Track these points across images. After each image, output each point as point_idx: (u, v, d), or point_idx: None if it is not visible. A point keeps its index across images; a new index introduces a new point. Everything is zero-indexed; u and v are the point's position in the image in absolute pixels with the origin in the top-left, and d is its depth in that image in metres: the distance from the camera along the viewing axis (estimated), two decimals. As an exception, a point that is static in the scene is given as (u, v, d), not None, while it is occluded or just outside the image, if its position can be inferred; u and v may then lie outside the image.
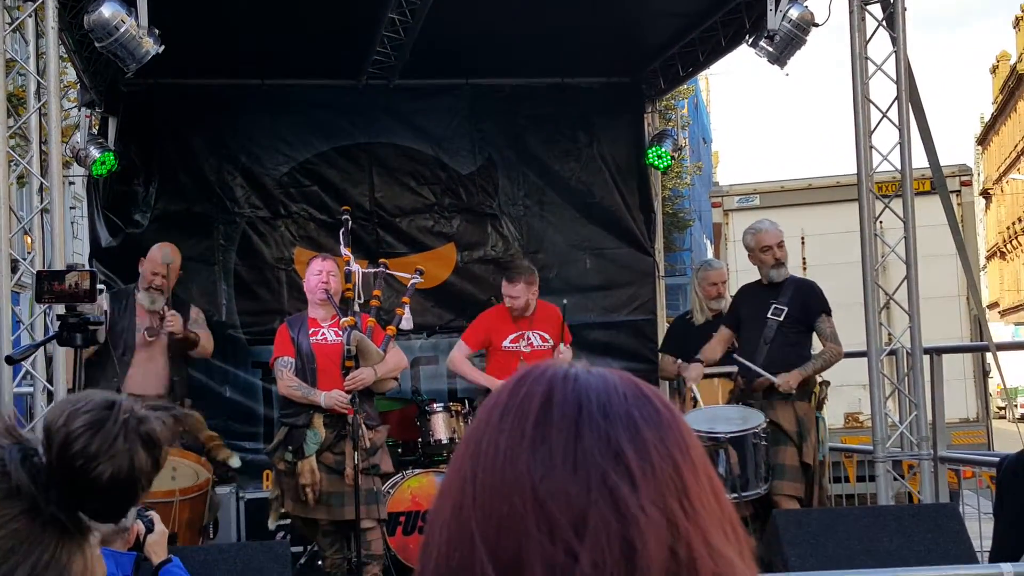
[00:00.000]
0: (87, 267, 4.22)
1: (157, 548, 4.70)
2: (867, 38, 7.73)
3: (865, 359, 7.70)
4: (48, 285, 4.02)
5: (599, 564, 0.86)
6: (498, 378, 7.61)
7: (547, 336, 7.98)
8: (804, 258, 11.81)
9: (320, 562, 7.44)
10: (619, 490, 0.88)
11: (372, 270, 7.69)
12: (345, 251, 7.50)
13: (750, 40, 8.32)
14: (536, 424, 0.91)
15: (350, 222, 7.76)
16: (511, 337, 7.90)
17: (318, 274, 7.33)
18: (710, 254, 18.11)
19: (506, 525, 0.89)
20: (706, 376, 7.83)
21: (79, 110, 9.90)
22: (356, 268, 7.42)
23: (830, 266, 10.85)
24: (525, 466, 0.90)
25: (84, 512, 1.04)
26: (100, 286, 4.18)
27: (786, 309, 7.45)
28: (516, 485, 0.89)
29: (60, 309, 4.37)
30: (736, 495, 7.17)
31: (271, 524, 7.67)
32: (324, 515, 7.12)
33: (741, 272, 9.24)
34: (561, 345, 7.88)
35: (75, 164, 9.62)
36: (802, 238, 11.90)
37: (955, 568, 5.36)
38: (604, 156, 10.50)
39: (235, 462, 7.51)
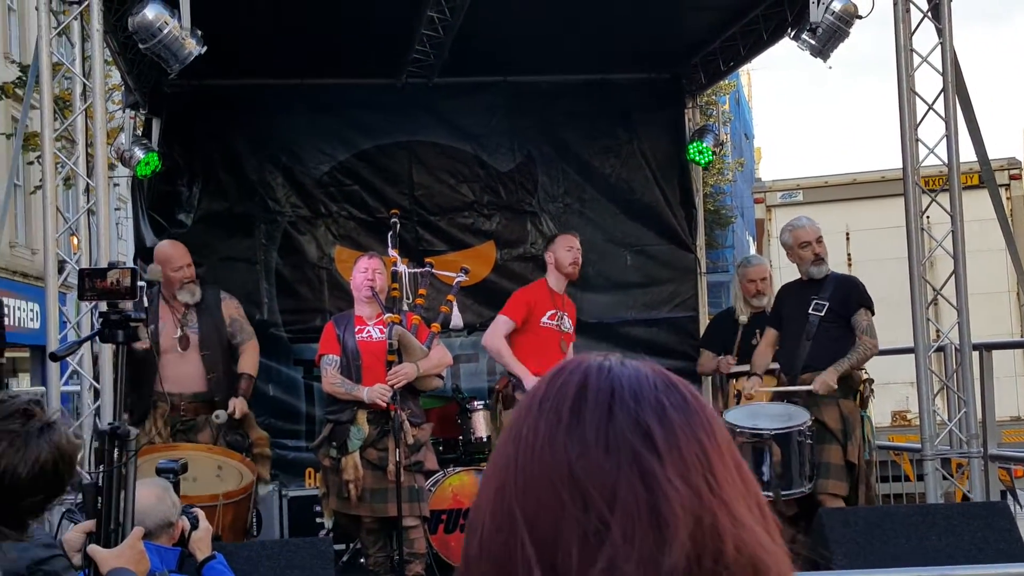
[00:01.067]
0: (128, 264, 4.23)
1: (201, 545, 4.74)
2: (912, 29, 7.64)
3: (912, 356, 7.60)
4: (90, 282, 4.03)
5: (629, 532, 0.93)
6: (533, 358, 7.54)
7: (571, 324, 8.00)
8: (849, 254, 11.71)
9: (363, 560, 7.45)
10: (648, 465, 0.96)
11: (418, 270, 7.69)
12: (392, 252, 7.53)
13: (792, 33, 8.24)
14: (572, 409, 0.99)
15: (398, 224, 7.77)
16: (549, 314, 7.85)
17: (364, 272, 7.35)
18: (752, 251, 18.00)
19: (544, 502, 0.96)
20: (750, 375, 7.78)
21: (123, 112, 9.97)
22: (403, 268, 7.44)
23: (876, 262, 10.76)
24: (562, 447, 0.97)
25: None
26: (142, 284, 4.19)
27: (827, 304, 7.38)
28: (554, 465, 0.97)
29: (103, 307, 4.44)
30: (780, 493, 7.12)
31: (327, 523, 7.70)
32: (367, 512, 7.13)
33: (784, 269, 9.16)
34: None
35: (120, 165, 9.69)
36: (847, 234, 11.80)
37: (1006, 567, 5.26)
38: (644, 152, 10.45)
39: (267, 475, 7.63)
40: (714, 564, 0.94)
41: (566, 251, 7.93)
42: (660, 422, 0.98)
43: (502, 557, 0.97)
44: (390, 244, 7.58)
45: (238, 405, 7.36)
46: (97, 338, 4.34)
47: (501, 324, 7.88)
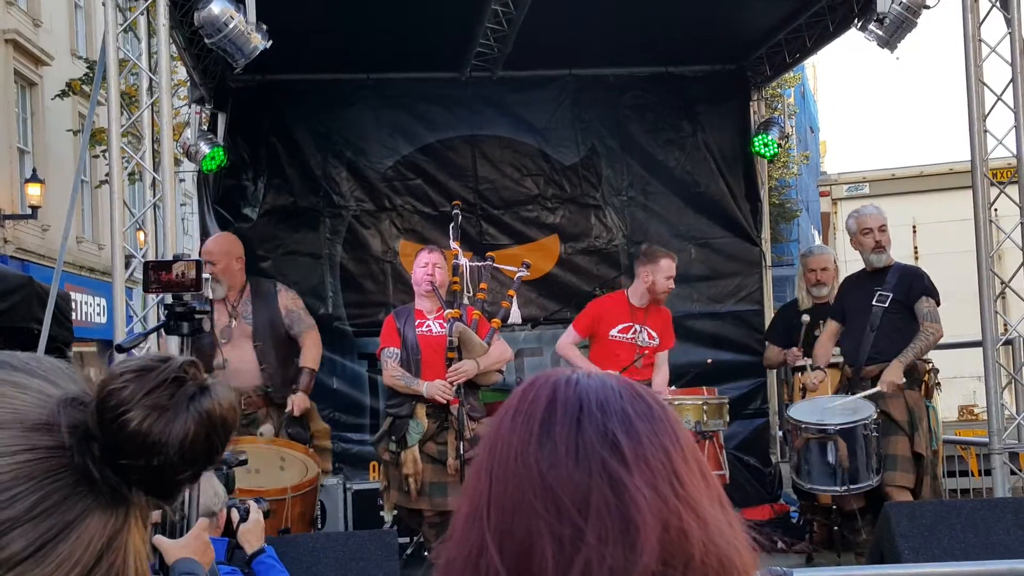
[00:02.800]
0: (194, 257, 4.26)
1: (251, 537, 4.74)
2: (980, 19, 7.53)
3: (979, 350, 7.50)
4: (155, 275, 4.08)
5: (603, 537, 0.98)
6: (601, 367, 7.54)
7: (655, 333, 7.92)
8: (916, 247, 11.58)
9: (426, 553, 7.48)
10: (616, 473, 1.00)
11: (479, 263, 7.70)
12: (454, 244, 7.54)
13: (859, 24, 8.15)
14: (542, 423, 1.04)
15: (460, 216, 7.79)
16: (621, 327, 7.84)
17: (424, 266, 7.36)
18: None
19: (519, 511, 1.01)
20: (813, 368, 7.73)
21: (189, 107, 10.07)
22: (464, 261, 7.45)
23: (943, 255, 10.62)
24: (534, 459, 1.02)
25: (119, 473, 0.97)
26: (207, 276, 4.23)
27: (891, 295, 7.32)
28: (527, 475, 1.02)
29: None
30: (845, 488, 7.07)
31: (387, 516, 7.72)
32: (427, 506, 7.14)
33: (850, 263, 9.07)
34: (657, 379, 7.81)
35: (186, 160, 9.79)
36: (913, 227, 11.66)
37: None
38: (709, 145, 10.40)
39: (329, 467, 7.66)
40: (683, 565, 0.99)
41: (666, 279, 7.87)
42: (626, 432, 1.03)
43: (473, 564, 1.02)
44: (452, 236, 7.59)
45: (297, 402, 7.34)
46: (163, 330, 4.39)
47: (569, 334, 8.03)
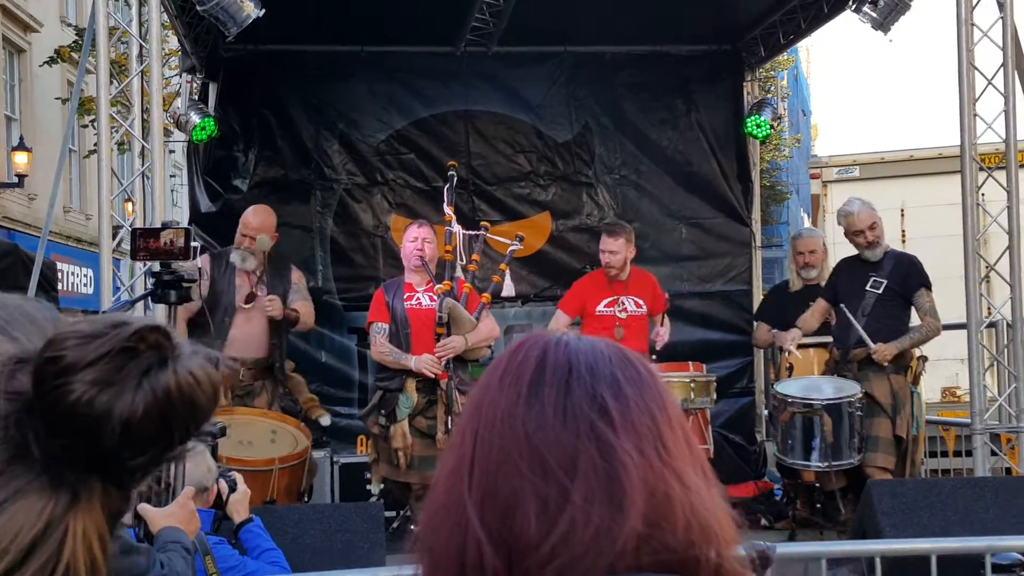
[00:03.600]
0: (182, 224, 4.26)
1: (239, 507, 4.76)
2: (973, 4, 7.55)
3: (963, 333, 7.58)
4: (143, 242, 4.08)
5: (589, 498, 0.98)
6: None
7: (641, 302, 7.98)
8: (903, 231, 11.62)
9: (412, 526, 7.51)
10: (605, 436, 1.01)
11: (473, 232, 7.71)
12: (448, 209, 7.53)
13: (853, 6, 8.17)
14: (530, 383, 1.04)
15: (455, 178, 7.78)
16: (605, 302, 7.90)
17: (413, 241, 7.37)
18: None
19: (504, 472, 1.00)
20: (802, 346, 7.78)
21: (180, 77, 10.03)
22: (457, 229, 7.44)
23: (930, 239, 10.66)
24: (521, 420, 1.02)
25: (64, 452, 0.84)
26: (196, 244, 4.20)
27: (885, 282, 7.38)
28: (513, 437, 1.01)
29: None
30: (827, 464, 7.13)
31: (374, 489, 7.75)
32: (416, 479, 7.16)
33: (839, 245, 9.11)
34: (660, 329, 7.83)
35: (175, 132, 9.76)
36: (902, 210, 11.70)
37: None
38: (702, 125, 10.41)
39: (325, 420, 7.65)
40: (667, 529, 1.00)
41: (601, 255, 8.00)
42: (615, 395, 1.03)
43: (458, 521, 1.01)
44: (446, 199, 7.58)
45: (275, 304, 7.36)
46: (150, 299, 4.39)
47: (558, 317, 8.08)
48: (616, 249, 7.88)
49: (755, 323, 9.25)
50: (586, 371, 1.05)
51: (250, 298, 7.46)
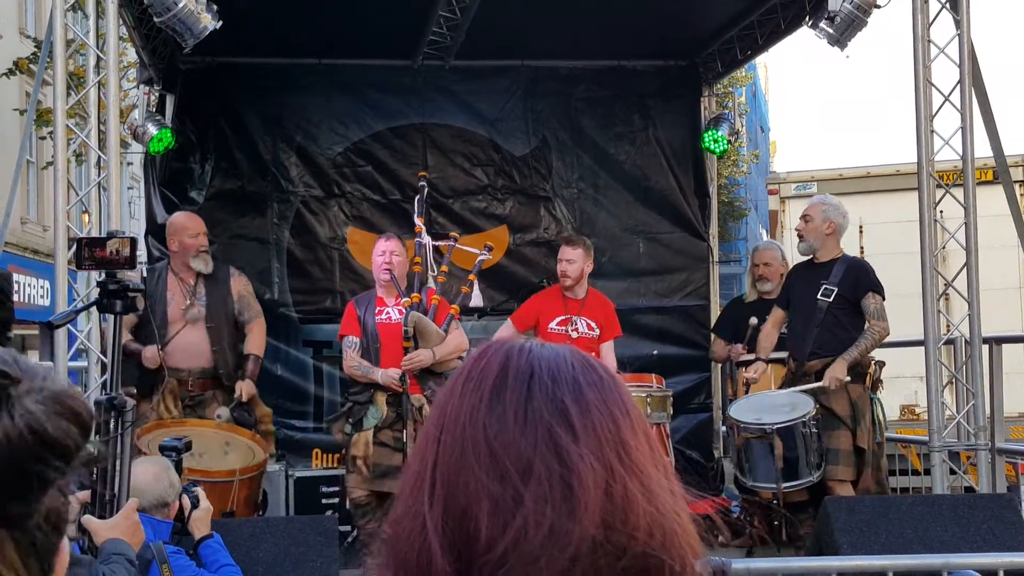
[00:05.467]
0: (127, 234, 4.21)
1: (200, 524, 4.77)
2: (930, 20, 7.60)
3: (921, 350, 7.58)
4: (89, 252, 4.03)
5: (541, 501, 0.98)
6: None
7: (594, 324, 7.93)
8: (862, 247, 11.67)
9: (362, 539, 7.42)
10: (562, 441, 1.01)
11: (442, 243, 7.67)
12: (418, 220, 7.51)
13: (810, 22, 8.21)
14: (492, 388, 1.05)
15: (426, 189, 7.74)
16: (558, 320, 7.85)
17: (382, 255, 7.34)
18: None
19: (462, 476, 1.01)
20: (756, 359, 7.78)
21: (137, 88, 9.95)
22: (427, 240, 7.42)
23: (888, 255, 10.71)
24: (482, 424, 1.03)
25: None
26: (141, 254, 4.19)
27: (835, 290, 7.38)
28: (474, 441, 1.02)
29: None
30: (787, 484, 7.11)
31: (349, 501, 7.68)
32: (371, 486, 7.08)
33: (797, 260, 9.15)
34: (602, 345, 7.81)
35: (133, 144, 9.68)
36: (860, 226, 11.76)
37: (1011, 555, 5.22)
38: (659, 140, 10.42)
39: (273, 449, 7.63)
40: (625, 534, 0.99)
41: (558, 263, 7.98)
42: (575, 400, 1.04)
43: (419, 522, 1.02)
44: (416, 211, 7.55)
45: (244, 388, 7.32)
46: (96, 308, 4.34)
47: (506, 327, 8.04)
48: (573, 258, 7.85)
49: (712, 337, 9.25)
50: (548, 376, 1.05)
51: (193, 315, 7.39)
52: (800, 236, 7.66)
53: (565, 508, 0.98)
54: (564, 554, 0.97)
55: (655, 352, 8.85)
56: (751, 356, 7.96)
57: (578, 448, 1.01)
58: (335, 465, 8.88)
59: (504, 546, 0.98)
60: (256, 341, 7.63)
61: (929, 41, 7.60)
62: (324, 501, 8.42)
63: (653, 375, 8.04)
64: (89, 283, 7.33)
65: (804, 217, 7.65)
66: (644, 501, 1.01)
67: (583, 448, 1.01)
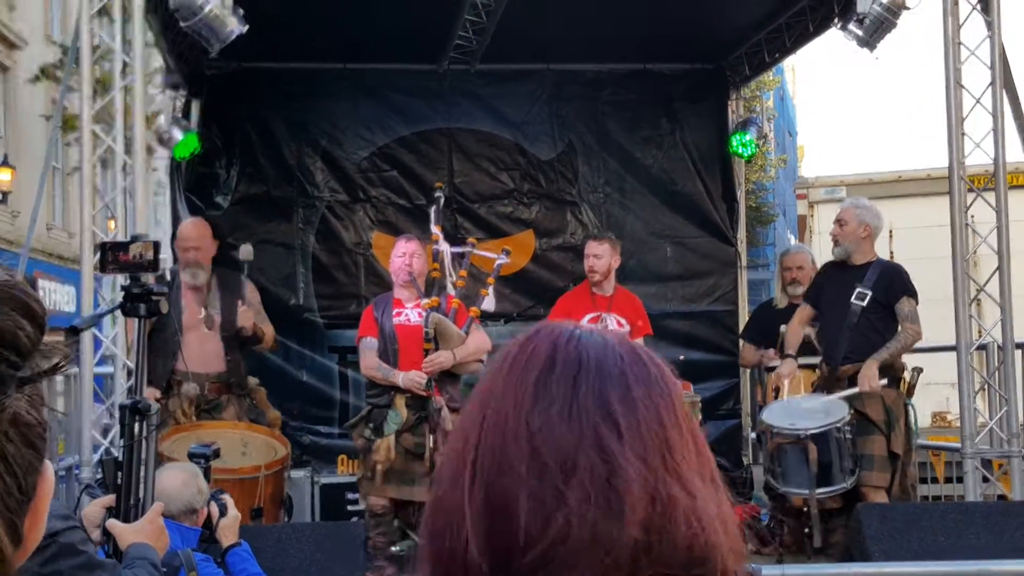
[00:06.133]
0: (150, 237, 4.18)
1: (228, 532, 4.75)
2: (960, 22, 7.51)
3: (953, 355, 7.48)
4: (113, 255, 4.00)
5: (585, 503, 0.96)
6: None
7: (624, 321, 7.89)
8: (892, 252, 11.55)
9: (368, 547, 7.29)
10: (607, 442, 0.98)
11: (460, 249, 7.63)
12: (435, 229, 7.46)
13: (839, 24, 8.15)
14: (538, 380, 1.02)
15: (442, 198, 7.71)
16: (588, 317, 7.78)
17: (401, 256, 7.30)
18: (793, 248, 17.84)
19: (503, 469, 0.99)
20: (784, 356, 7.69)
21: (163, 94, 9.98)
22: (445, 247, 7.37)
23: (919, 260, 10.58)
24: (526, 417, 1.00)
25: None
26: (164, 257, 4.16)
27: (870, 293, 7.28)
28: (516, 434, 1.00)
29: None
30: (821, 490, 7.02)
31: (362, 504, 7.61)
32: (393, 494, 7.03)
33: (824, 264, 9.08)
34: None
35: (159, 150, 9.70)
36: (890, 231, 11.64)
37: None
38: (686, 143, 10.37)
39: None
40: (667, 538, 0.97)
41: (585, 259, 7.96)
42: (622, 398, 1.01)
43: (458, 511, 1.00)
44: (433, 219, 7.52)
45: (242, 311, 7.24)
46: (120, 312, 4.31)
47: None
48: (600, 253, 7.82)
49: (741, 343, 9.17)
50: (595, 369, 1.03)
51: (210, 322, 7.35)
52: (835, 241, 7.54)
53: (609, 510, 0.96)
54: (607, 557, 0.95)
55: (681, 357, 8.78)
56: (779, 361, 7.87)
57: (624, 451, 0.98)
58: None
59: (544, 547, 0.96)
60: (267, 331, 7.58)
61: (960, 43, 7.51)
62: (349, 508, 8.38)
63: (680, 381, 7.96)
64: (115, 288, 7.30)
65: (839, 221, 7.53)
66: (687, 504, 0.99)
67: (628, 449, 0.98)
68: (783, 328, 8.08)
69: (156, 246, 3.97)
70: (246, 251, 7.38)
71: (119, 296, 6.94)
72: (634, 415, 1.01)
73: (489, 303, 7.49)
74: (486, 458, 1.00)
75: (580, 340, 1.05)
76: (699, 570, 0.98)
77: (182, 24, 7.21)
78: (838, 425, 6.99)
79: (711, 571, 0.99)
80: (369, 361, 7.21)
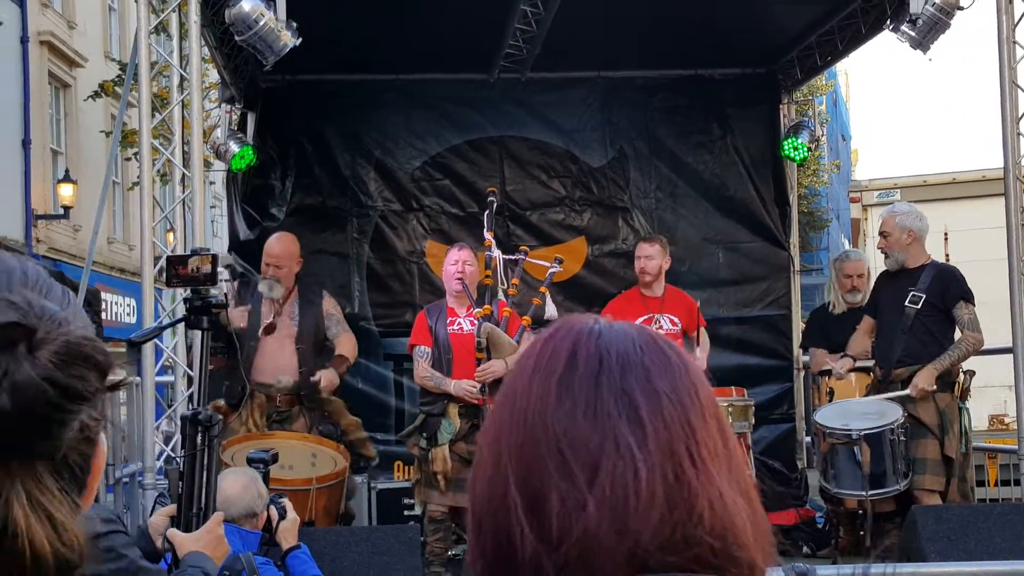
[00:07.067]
0: (210, 251, 4.26)
1: (287, 535, 4.81)
2: (1015, 21, 7.48)
3: (1010, 358, 7.43)
4: (174, 269, 4.09)
5: (603, 502, 0.97)
6: None
7: (676, 320, 7.92)
8: (947, 255, 11.47)
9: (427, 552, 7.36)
10: (629, 439, 0.99)
11: (512, 256, 7.68)
12: (487, 235, 7.51)
13: (891, 25, 8.11)
14: (560, 380, 1.03)
15: (495, 203, 7.77)
16: (641, 319, 7.80)
17: (454, 264, 7.36)
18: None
19: (533, 467, 1.01)
20: (843, 355, 7.68)
21: (219, 107, 10.11)
22: (497, 254, 7.41)
23: (975, 263, 10.51)
24: (551, 418, 1.02)
25: None
26: (222, 269, 4.25)
27: (924, 296, 7.25)
28: (543, 434, 1.01)
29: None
30: (870, 492, 7.01)
31: (418, 507, 7.68)
32: (451, 501, 7.10)
33: (881, 269, 9.05)
34: (696, 351, 7.71)
35: (215, 163, 9.82)
36: (945, 233, 11.57)
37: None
38: (738, 148, 10.35)
39: (371, 453, 7.63)
40: (692, 534, 0.98)
41: (636, 260, 8.03)
42: (644, 392, 1.02)
43: (501, 513, 1.02)
44: (486, 225, 7.57)
45: (325, 376, 7.34)
46: (183, 324, 4.39)
47: None
48: (652, 254, 7.86)
49: (809, 350, 9.06)
50: (617, 364, 1.04)
51: (269, 328, 7.43)
52: (886, 254, 7.56)
53: (630, 507, 0.97)
54: (627, 555, 0.97)
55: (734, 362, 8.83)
56: (833, 364, 7.84)
57: (647, 446, 0.99)
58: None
59: (568, 545, 0.97)
60: (347, 346, 7.67)
61: (1015, 42, 7.47)
62: (406, 513, 8.45)
63: (733, 388, 7.96)
64: (175, 300, 7.42)
65: (882, 234, 7.55)
66: (713, 501, 0.99)
67: (651, 446, 0.99)
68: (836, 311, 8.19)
69: (215, 259, 4.05)
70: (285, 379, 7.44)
71: (179, 307, 7.10)
72: (657, 408, 1.01)
73: (551, 311, 7.53)
74: (515, 457, 1.02)
75: (601, 336, 1.06)
76: (727, 567, 0.99)
77: (237, 38, 7.33)
78: (892, 427, 6.98)
79: (740, 569, 0.99)
80: (422, 370, 7.28)
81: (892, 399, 7.16)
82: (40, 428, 0.93)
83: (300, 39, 7.41)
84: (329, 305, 7.77)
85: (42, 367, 0.92)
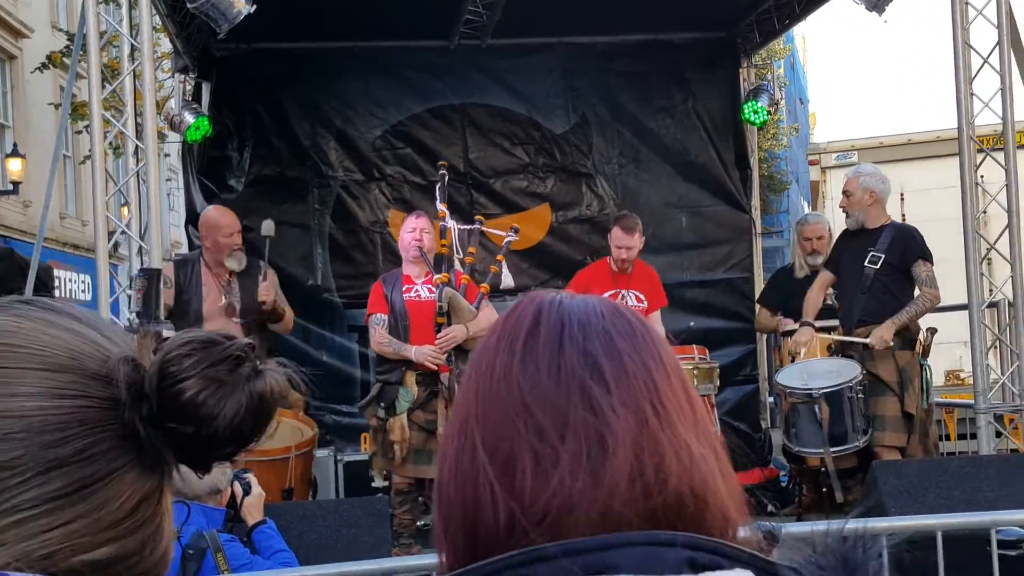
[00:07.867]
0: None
1: (253, 511, 4.80)
2: (968, -18, 7.52)
3: (965, 314, 7.54)
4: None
5: (577, 456, 0.99)
6: None
7: (642, 296, 7.95)
8: (904, 214, 11.56)
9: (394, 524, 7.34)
10: (594, 392, 1.01)
11: (467, 227, 7.68)
12: (441, 206, 7.51)
13: (847, -13, 8.13)
14: (524, 343, 1.05)
15: (447, 177, 7.74)
16: (608, 295, 7.84)
17: (411, 231, 7.33)
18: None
19: (502, 432, 1.02)
20: (802, 324, 7.74)
21: (172, 78, 9.99)
22: (452, 224, 7.41)
23: (931, 221, 10.61)
24: (516, 381, 1.03)
25: (166, 439, 1.01)
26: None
27: (883, 256, 7.33)
28: (509, 397, 1.03)
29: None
30: (834, 449, 7.11)
31: (377, 482, 7.68)
32: (411, 472, 7.11)
33: (841, 229, 9.11)
34: (649, 316, 7.76)
35: (170, 134, 9.70)
36: (901, 194, 11.66)
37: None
38: (699, 113, 10.38)
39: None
40: (657, 487, 0.99)
41: (615, 249, 7.98)
42: (607, 352, 1.04)
43: (468, 480, 1.03)
44: (438, 197, 7.56)
45: (263, 286, 7.32)
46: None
47: None
48: (633, 245, 7.89)
49: (757, 307, 9.21)
50: (579, 328, 1.05)
51: (231, 310, 7.37)
52: (846, 213, 7.62)
53: (600, 459, 0.99)
54: (599, 507, 0.98)
55: (691, 324, 8.86)
56: (795, 325, 7.93)
57: (611, 401, 1.01)
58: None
59: (544, 501, 0.98)
60: (288, 312, 7.69)
61: (967, 3, 7.53)
62: (373, 484, 8.45)
63: (695, 346, 8.04)
64: (130, 275, 7.34)
65: (844, 193, 7.63)
66: (674, 454, 1.00)
67: (615, 399, 1.01)
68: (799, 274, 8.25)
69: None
70: (268, 226, 7.43)
71: (135, 283, 6.98)
72: (621, 366, 1.03)
73: (507, 280, 7.54)
74: (481, 422, 1.03)
75: (562, 304, 1.08)
76: (700, 514, 1.00)
77: (189, 5, 7.24)
78: (850, 384, 7.07)
79: (714, 519, 1.01)
80: (379, 336, 7.24)
81: (850, 343, 7.27)
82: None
83: (255, 6, 7.31)
84: (269, 278, 7.57)
85: (269, 389, 1.06)
